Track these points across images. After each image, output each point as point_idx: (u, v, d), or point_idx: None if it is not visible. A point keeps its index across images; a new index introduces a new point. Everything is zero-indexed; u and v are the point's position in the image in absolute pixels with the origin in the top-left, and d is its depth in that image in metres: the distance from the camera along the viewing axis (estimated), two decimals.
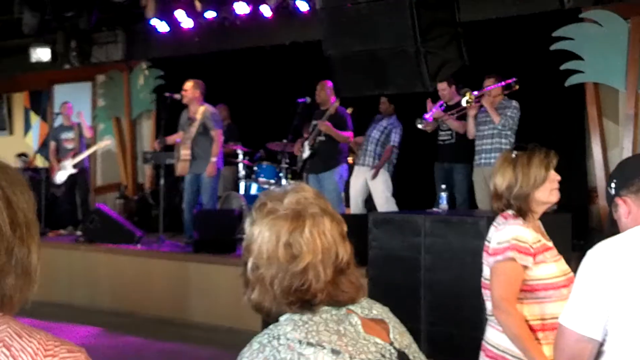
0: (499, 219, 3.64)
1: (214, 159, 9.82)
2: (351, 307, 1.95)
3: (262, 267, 1.87)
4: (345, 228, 1.94)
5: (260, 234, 1.88)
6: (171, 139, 10.26)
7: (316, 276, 1.84)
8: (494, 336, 3.55)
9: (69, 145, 12.06)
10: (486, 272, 3.59)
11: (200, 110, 9.98)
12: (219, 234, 9.40)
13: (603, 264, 2.46)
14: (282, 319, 1.89)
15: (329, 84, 9.66)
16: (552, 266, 3.49)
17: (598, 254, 2.51)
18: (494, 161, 8.49)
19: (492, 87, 8.72)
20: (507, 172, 3.58)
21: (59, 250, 10.56)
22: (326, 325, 1.86)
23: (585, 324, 2.44)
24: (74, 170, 11.89)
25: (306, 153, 9.82)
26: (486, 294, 3.60)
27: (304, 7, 10.96)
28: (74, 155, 11.93)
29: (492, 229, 3.65)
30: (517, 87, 8.76)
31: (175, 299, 9.27)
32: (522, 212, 3.55)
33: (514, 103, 8.72)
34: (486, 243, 3.63)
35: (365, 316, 1.96)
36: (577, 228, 7.70)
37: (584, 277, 2.52)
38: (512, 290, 3.42)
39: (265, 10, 11.29)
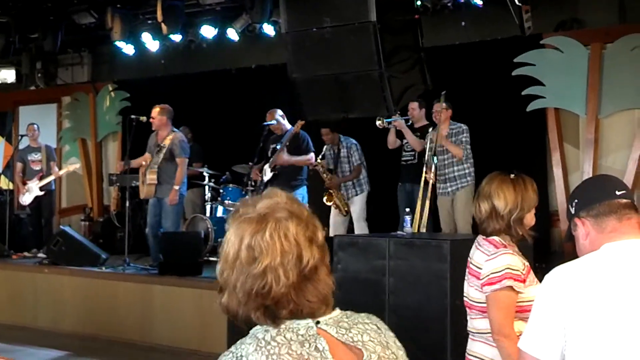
0: (487, 245, 3.72)
1: (176, 187, 9.81)
2: (324, 326, 1.87)
3: (226, 270, 1.87)
4: (317, 233, 1.91)
5: (228, 239, 1.88)
6: (137, 162, 10.23)
7: (276, 279, 1.81)
8: (480, 349, 3.71)
9: (36, 167, 11.94)
10: (474, 294, 3.72)
11: (169, 137, 9.99)
12: (185, 256, 9.38)
13: (559, 289, 2.50)
14: (250, 333, 1.87)
15: (278, 111, 9.77)
16: (538, 287, 3.61)
17: (554, 279, 2.55)
18: (460, 186, 8.61)
19: (443, 126, 8.74)
20: (509, 194, 3.66)
21: (23, 273, 10.46)
22: (289, 348, 1.80)
23: (542, 348, 2.47)
24: (40, 193, 11.77)
25: (267, 176, 9.84)
26: (472, 312, 3.75)
27: (270, 30, 11.03)
28: (41, 177, 11.83)
29: (479, 254, 3.73)
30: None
31: (140, 322, 9.20)
32: (516, 234, 3.67)
33: (464, 127, 8.71)
34: (473, 267, 3.74)
35: (339, 337, 1.86)
36: (538, 251, 7.76)
37: (540, 301, 2.56)
38: (510, 315, 3.56)
39: (232, 34, 11.34)
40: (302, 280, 1.84)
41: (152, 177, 9.88)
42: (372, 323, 1.98)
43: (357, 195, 9.98)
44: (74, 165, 12.34)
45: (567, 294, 2.46)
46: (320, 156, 9.93)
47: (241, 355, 1.82)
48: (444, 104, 8.62)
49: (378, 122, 9.11)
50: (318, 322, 1.87)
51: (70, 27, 11.99)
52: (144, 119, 10.18)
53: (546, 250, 9.19)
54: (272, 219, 1.85)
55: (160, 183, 9.93)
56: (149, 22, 11.73)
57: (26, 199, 11.78)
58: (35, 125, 12.28)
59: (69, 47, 13.72)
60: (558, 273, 2.55)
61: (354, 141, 10.03)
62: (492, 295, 3.58)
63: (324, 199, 9.84)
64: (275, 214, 1.86)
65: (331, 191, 9.91)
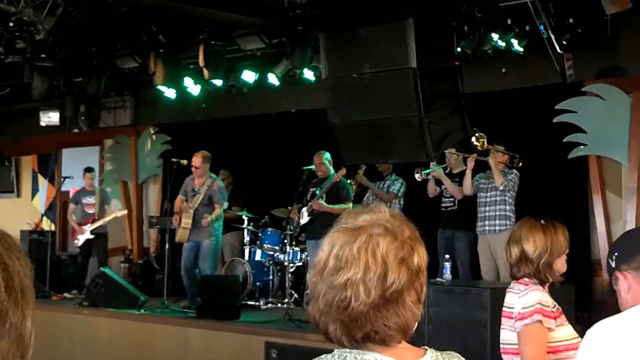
0: (517, 286, 3.76)
1: (213, 216, 10.00)
2: None
3: (314, 277, 1.82)
4: (413, 256, 1.78)
5: (322, 246, 1.84)
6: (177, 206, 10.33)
7: (356, 295, 1.72)
8: None
9: (90, 210, 12.03)
10: (508, 336, 3.74)
11: (207, 183, 10.12)
12: (223, 300, 9.38)
13: (602, 345, 2.45)
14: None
15: (326, 154, 9.91)
16: (570, 328, 3.68)
17: (597, 334, 2.50)
18: (499, 228, 8.59)
19: (501, 151, 8.88)
20: (538, 239, 3.71)
21: (62, 314, 10.53)
22: None
23: None
24: (91, 236, 11.84)
25: (304, 219, 9.87)
26: (506, 357, 3.77)
27: (310, 75, 11.10)
28: (94, 221, 11.92)
29: (510, 295, 3.78)
30: (520, 164, 8.89)
31: None
32: (545, 279, 3.72)
33: (515, 171, 8.86)
34: (505, 309, 3.77)
35: None
36: (580, 301, 7.67)
37: (583, 357, 2.52)
38: (542, 350, 3.58)
39: (272, 79, 11.44)
40: (384, 301, 1.73)
41: (187, 221, 10.03)
42: None
43: None
44: (121, 211, 12.43)
45: (610, 350, 2.41)
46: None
47: None
48: (502, 147, 8.99)
49: (417, 175, 9.19)
50: None
51: (114, 71, 12.17)
52: (184, 162, 10.35)
53: (588, 299, 9.04)
54: (365, 233, 1.78)
55: (196, 226, 10.03)
56: (191, 66, 11.88)
57: (79, 240, 11.87)
58: (94, 172, 12.43)
59: (112, 90, 13.93)
60: (600, 328, 2.50)
61: (402, 178, 10.11)
62: (524, 330, 3.60)
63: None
64: (371, 228, 1.79)
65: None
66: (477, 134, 8.81)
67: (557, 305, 3.71)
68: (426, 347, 1.84)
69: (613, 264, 2.66)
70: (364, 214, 1.84)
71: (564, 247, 3.76)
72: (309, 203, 9.89)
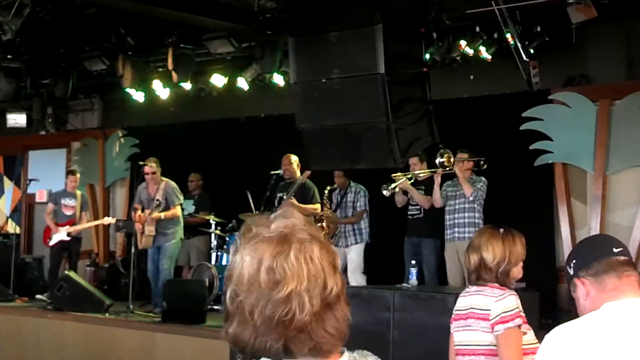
0: (492, 290, 3.81)
1: (162, 215, 10.17)
2: None
3: (241, 294, 1.68)
4: (337, 260, 1.75)
5: (241, 260, 1.70)
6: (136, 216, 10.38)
7: (301, 305, 1.65)
8: None
9: (68, 212, 11.86)
10: (475, 336, 3.81)
11: (162, 187, 10.19)
12: (189, 304, 9.34)
13: (559, 349, 2.48)
14: None
15: (293, 157, 10.01)
16: (531, 333, 3.79)
17: (555, 339, 2.53)
18: (467, 235, 8.64)
19: (465, 159, 8.92)
20: (497, 248, 3.80)
21: (26, 318, 10.42)
22: None
23: None
24: (67, 238, 11.71)
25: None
26: (477, 359, 3.83)
27: (280, 80, 11.10)
28: (73, 224, 11.80)
29: (482, 298, 3.83)
30: (485, 166, 8.94)
31: None
32: (503, 286, 3.81)
33: (483, 179, 8.92)
34: (477, 311, 3.82)
35: None
36: (544, 307, 7.74)
37: None
38: (520, 355, 3.69)
39: (242, 83, 11.41)
40: (324, 309, 1.69)
41: (150, 229, 10.15)
42: None
43: (356, 243, 9.99)
44: (109, 219, 12.32)
45: (567, 354, 2.44)
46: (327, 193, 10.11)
47: None
48: (466, 154, 9.04)
49: (385, 192, 9.20)
50: None
51: (82, 73, 12.10)
52: (152, 165, 10.34)
53: (553, 306, 9.11)
54: (296, 240, 1.70)
55: (159, 232, 10.18)
56: (160, 69, 11.84)
57: (52, 240, 11.72)
58: (79, 174, 12.31)
59: (80, 92, 13.83)
60: (558, 332, 2.53)
61: (362, 187, 10.09)
62: (506, 333, 3.68)
63: None
64: (297, 235, 1.72)
65: (323, 224, 9.94)
66: (441, 150, 8.88)
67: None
68: (343, 348, 1.78)
69: (571, 271, 2.70)
70: (276, 221, 1.75)
71: (521, 255, 3.87)
72: (277, 208, 9.89)
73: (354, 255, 9.96)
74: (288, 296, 1.65)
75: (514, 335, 3.68)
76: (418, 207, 9.47)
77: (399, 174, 9.22)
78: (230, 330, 1.71)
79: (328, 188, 10.17)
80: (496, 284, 3.81)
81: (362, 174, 9.98)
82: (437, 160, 8.91)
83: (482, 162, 8.98)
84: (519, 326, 3.68)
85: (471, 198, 8.81)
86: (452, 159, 8.86)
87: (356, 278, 9.79)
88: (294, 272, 1.66)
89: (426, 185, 9.42)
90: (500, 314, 3.70)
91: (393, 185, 9.23)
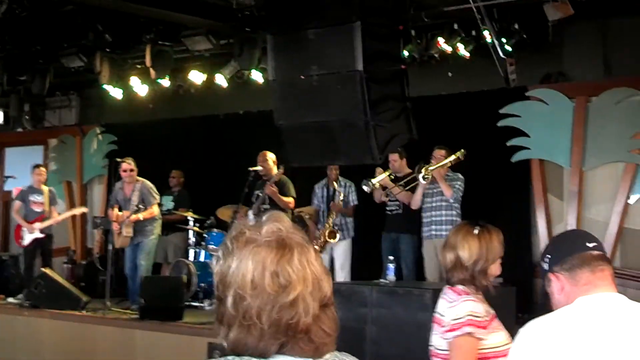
0: (450, 294, 3.76)
1: (140, 216, 10.23)
2: None
3: (247, 298, 1.68)
4: (324, 263, 1.79)
5: (241, 264, 1.70)
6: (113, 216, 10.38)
7: (305, 309, 1.68)
8: None
9: (37, 209, 11.63)
10: (437, 341, 3.74)
11: (137, 187, 10.21)
12: (166, 301, 9.32)
13: (533, 343, 2.50)
14: None
15: (270, 154, 10.06)
16: (501, 334, 3.67)
17: (529, 333, 2.55)
18: (445, 233, 8.66)
19: (445, 161, 8.93)
20: (473, 246, 3.70)
21: (2, 316, 10.36)
22: None
23: None
24: (40, 235, 11.61)
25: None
26: None
27: (258, 77, 11.10)
28: (43, 220, 11.67)
29: (442, 302, 3.78)
30: (462, 156, 8.96)
31: None
32: (480, 285, 3.72)
33: (460, 176, 8.95)
34: (436, 315, 3.78)
35: None
36: (521, 302, 7.78)
37: (515, 355, 2.57)
38: None
39: (220, 80, 11.39)
40: (321, 311, 1.72)
41: (128, 230, 10.23)
42: None
43: (343, 239, 9.98)
44: (80, 209, 12.24)
45: (541, 348, 2.46)
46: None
47: None
48: (443, 151, 9.03)
49: (365, 188, 9.23)
50: None
51: (59, 70, 12.02)
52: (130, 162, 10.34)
53: (529, 301, 9.18)
54: (296, 245, 1.73)
55: (136, 231, 10.27)
56: (138, 66, 11.79)
57: (26, 239, 11.60)
58: (43, 168, 12.15)
59: (57, 89, 13.77)
60: (532, 327, 2.56)
61: (351, 182, 10.11)
62: (454, 342, 3.60)
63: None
64: (294, 239, 1.74)
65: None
66: (419, 166, 8.93)
67: (491, 311, 3.72)
68: None
69: (546, 266, 2.72)
70: (266, 225, 1.77)
71: (498, 252, 3.77)
72: (254, 205, 9.92)
73: (341, 251, 9.97)
74: (295, 300, 1.67)
75: (463, 344, 3.58)
76: (397, 202, 9.49)
77: (380, 170, 9.27)
78: (230, 335, 1.71)
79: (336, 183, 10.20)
80: (459, 287, 3.73)
81: (341, 169, 10.06)
82: (420, 177, 8.92)
83: (461, 156, 8.97)
84: (470, 333, 3.56)
85: (452, 200, 8.85)
86: (429, 171, 8.88)
87: (344, 274, 9.82)
88: (299, 277, 1.69)
89: (406, 182, 9.45)
90: (450, 322, 3.63)
91: (374, 181, 9.25)
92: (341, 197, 9.87)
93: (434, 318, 3.81)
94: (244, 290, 1.69)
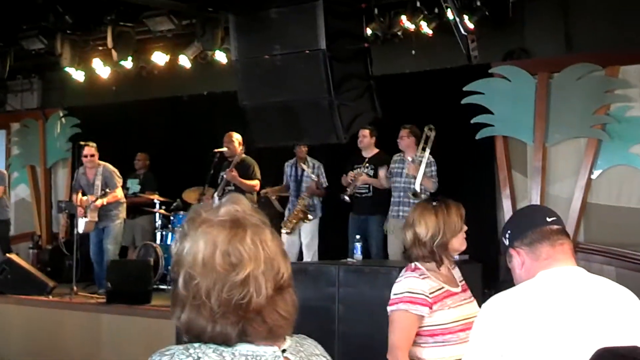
0: (402, 271, 3.82)
1: (104, 200, 10.15)
2: (290, 355, 1.76)
3: (197, 277, 1.67)
4: (283, 246, 1.79)
5: (194, 244, 1.70)
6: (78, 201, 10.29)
7: (258, 289, 1.67)
8: None
9: None
10: None
11: (100, 171, 10.13)
12: (134, 285, 9.28)
13: (496, 318, 2.53)
14: (191, 345, 1.69)
15: (236, 134, 9.94)
16: (452, 312, 3.70)
17: (491, 308, 2.58)
18: None
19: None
20: (430, 221, 3.74)
21: None
22: None
23: None
24: None
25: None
26: None
27: (222, 57, 11.03)
28: None
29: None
30: (432, 132, 9.00)
31: (88, 351, 9.06)
32: (441, 260, 3.76)
33: (432, 160, 8.99)
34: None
35: None
36: (487, 278, 7.85)
37: (478, 330, 2.59)
38: (405, 338, 3.64)
39: (184, 61, 11.31)
40: (277, 292, 1.72)
41: (93, 215, 10.15)
42: (322, 355, 1.89)
43: (312, 219, 9.98)
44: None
45: (504, 322, 2.49)
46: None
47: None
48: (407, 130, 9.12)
49: (346, 198, 9.30)
50: (284, 351, 1.75)
51: (20, 53, 11.83)
52: (93, 145, 10.26)
53: (495, 277, 9.23)
54: (250, 225, 1.72)
55: (101, 215, 10.20)
56: (100, 48, 11.64)
57: None
58: None
59: (18, 73, 13.57)
60: (494, 302, 2.59)
61: (318, 162, 10.10)
62: (391, 316, 3.70)
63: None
64: (248, 220, 1.74)
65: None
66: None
67: (447, 287, 3.76)
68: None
69: (507, 242, 2.75)
70: (224, 206, 1.76)
71: (458, 226, 3.79)
72: (219, 186, 9.88)
73: (308, 230, 9.96)
74: (245, 279, 1.66)
75: (397, 319, 3.65)
76: (367, 186, 9.52)
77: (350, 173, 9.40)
78: (182, 316, 1.71)
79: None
80: (411, 265, 3.77)
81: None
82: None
83: (428, 134, 9.02)
84: (405, 310, 3.62)
85: (433, 190, 8.88)
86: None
87: (311, 254, 9.82)
88: (250, 256, 1.68)
89: (375, 164, 9.49)
90: (391, 297, 3.70)
91: (350, 189, 9.32)
92: (315, 179, 9.84)
93: None
94: (193, 269, 1.68)
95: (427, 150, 8.98)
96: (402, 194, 9.05)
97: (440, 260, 3.77)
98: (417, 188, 8.86)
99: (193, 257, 1.69)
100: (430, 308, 3.65)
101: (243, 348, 1.69)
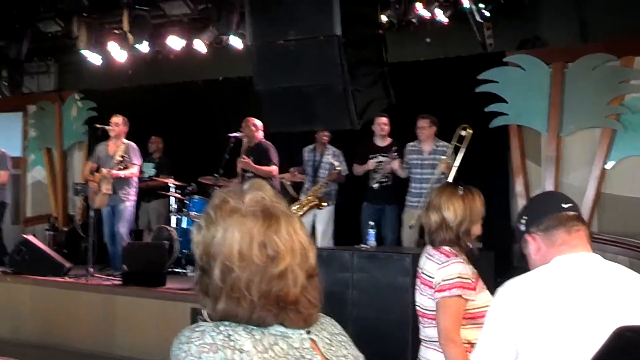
0: (438, 256, 3.82)
1: (121, 174, 10.16)
2: (315, 337, 1.78)
3: (236, 270, 1.67)
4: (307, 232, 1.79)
5: (227, 234, 1.68)
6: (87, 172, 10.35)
7: (294, 280, 1.68)
8: (431, 356, 3.81)
9: None
10: (424, 301, 3.83)
11: (122, 148, 10.14)
12: (149, 268, 9.35)
13: (511, 303, 2.56)
14: (218, 325, 1.69)
15: (254, 120, 9.89)
16: (486, 294, 3.75)
17: (506, 293, 2.61)
18: None
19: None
20: (458, 207, 3.79)
21: None
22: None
23: None
24: None
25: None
26: (424, 321, 3.87)
27: (237, 43, 11.04)
28: None
29: (430, 264, 3.83)
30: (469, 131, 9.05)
31: (102, 333, 9.15)
32: (464, 245, 3.80)
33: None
34: (425, 276, 3.84)
35: (327, 354, 1.79)
36: (499, 266, 7.87)
37: (493, 314, 2.62)
38: (458, 322, 3.68)
39: (199, 45, 11.33)
40: (307, 281, 1.73)
41: (107, 187, 10.13)
42: (341, 334, 1.91)
43: (327, 206, 9.98)
44: None
45: (519, 307, 2.51)
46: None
47: (240, 349, 1.65)
48: (427, 120, 9.19)
49: (375, 186, 9.28)
50: (309, 332, 1.77)
51: (36, 35, 11.88)
52: (109, 128, 10.28)
53: (507, 265, 9.24)
54: (282, 215, 1.72)
55: (114, 192, 10.17)
56: (116, 31, 11.67)
57: None
58: None
59: (35, 55, 13.63)
60: (510, 287, 2.61)
61: (338, 150, 10.11)
62: (442, 302, 3.69)
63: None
64: (277, 209, 1.73)
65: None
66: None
67: (476, 272, 3.80)
68: None
69: (522, 228, 2.77)
70: (248, 193, 1.75)
71: (481, 212, 3.86)
72: (238, 172, 9.90)
73: (324, 217, 9.97)
74: (283, 272, 1.68)
75: (451, 305, 3.66)
76: (388, 175, 9.54)
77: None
78: (218, 307, 1.70)
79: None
80: (446, 249, 3.79)
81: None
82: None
83: (463, 134, 9.09)
84: (459, 295, 3.65)
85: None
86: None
87: (326, 241, 9.84)
88: (287, 247, 1.69)
89: (386, 151, 9.51)
90: (440, 282, 3.70)
91: (378, 177, 9.44)
92: (339, 167, 9.81)
93: (421, 279, 3.86)
94: (231, 261, 1.68)
95: (462, 150, 9.01)
96: (424, 185, 9.09)
97: (464, 245, 3.81)
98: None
99: (229, 248, 1.69)
100: (474, 291, 3.72)
101: (273, 328, 1.72)
